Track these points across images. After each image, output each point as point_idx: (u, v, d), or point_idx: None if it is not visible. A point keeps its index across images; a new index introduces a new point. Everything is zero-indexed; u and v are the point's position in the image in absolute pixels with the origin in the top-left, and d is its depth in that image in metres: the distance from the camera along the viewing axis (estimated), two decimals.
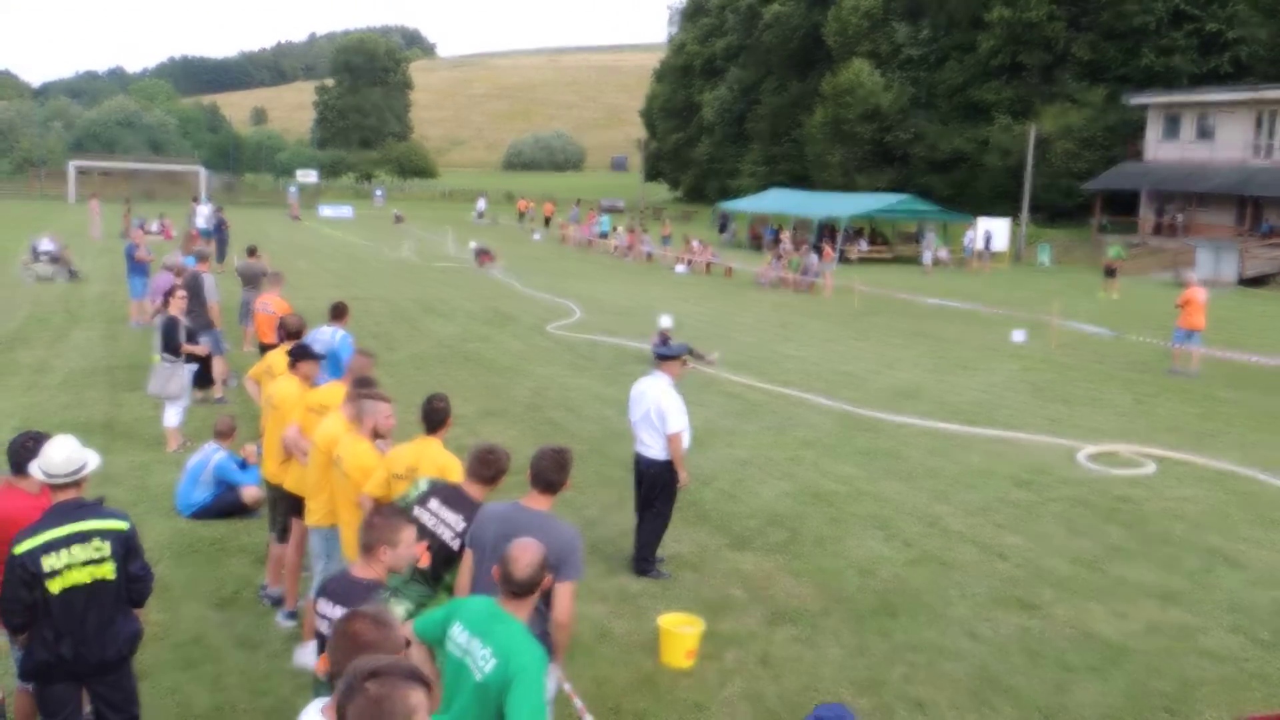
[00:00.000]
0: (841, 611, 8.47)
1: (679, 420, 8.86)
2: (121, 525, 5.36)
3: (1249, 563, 9.91)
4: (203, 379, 14.55)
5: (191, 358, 12.96)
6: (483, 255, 39.31)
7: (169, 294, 13.28)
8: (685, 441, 8.98)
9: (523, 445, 12.38)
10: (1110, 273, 35.84)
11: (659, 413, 8.91)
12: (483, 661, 4.19)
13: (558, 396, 16.17)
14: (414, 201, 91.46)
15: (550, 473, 5.46)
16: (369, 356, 8.23)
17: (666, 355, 9.20)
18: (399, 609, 4.54)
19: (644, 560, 9.18)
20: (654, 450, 9.03)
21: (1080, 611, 8.63)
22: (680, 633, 7.51)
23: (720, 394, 16.75)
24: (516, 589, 4.33)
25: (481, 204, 71.75)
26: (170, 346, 12.58)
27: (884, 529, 10.51)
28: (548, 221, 63.12)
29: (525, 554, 4.36)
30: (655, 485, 9.10)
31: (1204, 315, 20.21)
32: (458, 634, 4.36)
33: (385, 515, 4.83)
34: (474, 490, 5.86)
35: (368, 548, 4.73)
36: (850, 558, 9.68)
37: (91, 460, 5.45)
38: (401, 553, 4.76)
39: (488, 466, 5.83)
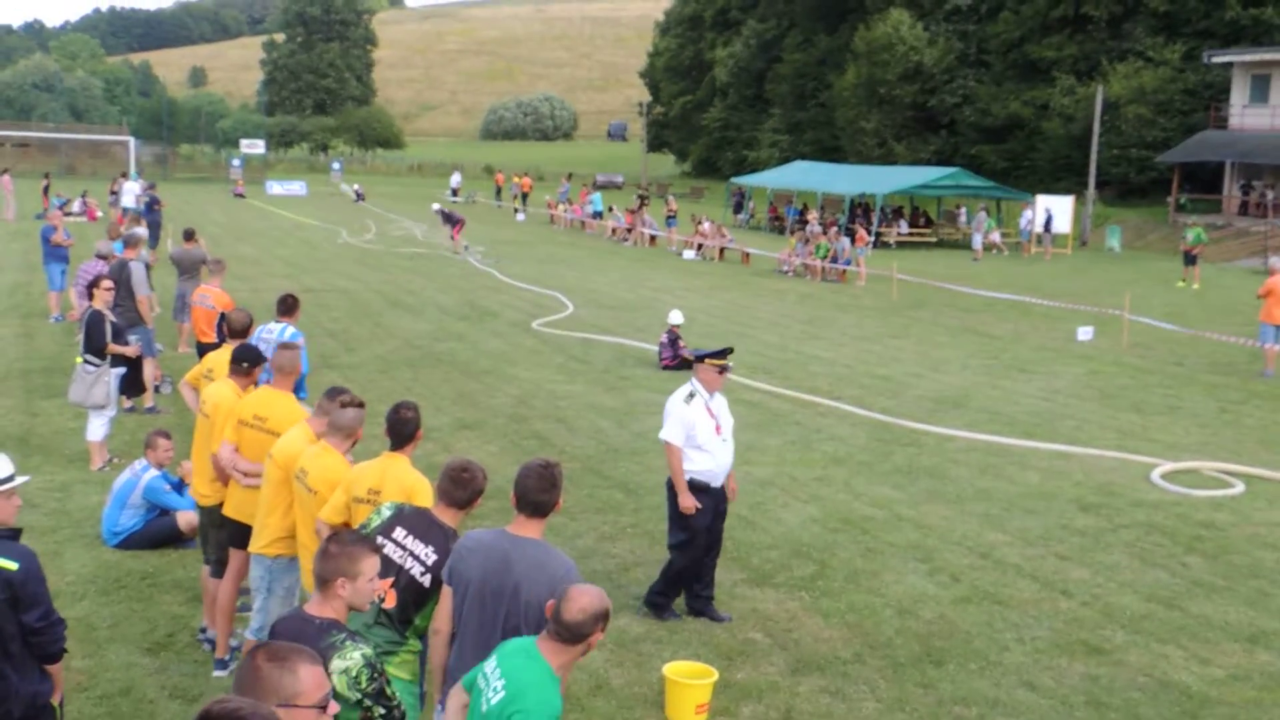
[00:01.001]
0: (877, 658, 8.48)
1: (669, 427, 8.98)
2: (8, 565, 5.31)
3: None
4: (131, 385, 14.38)
5: (118, 360, 12.94)
6: (454, 225, 38.49)
7: (92, 285, 13.27)
8: (703, 465, 8.95)
9: (504, 463, 12.44)
10: (1190, 259, 35.91)
11: (664, 418, 9.09)
12: (492, 692, 4.39)
13: (545, 406, 16.20)
14: (377, 176, 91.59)
15: (537, 492, 5.37)
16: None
17: (698, 358, 9.25)
18: (355, 654, 4.53)
19: (652, 593, 9.22)
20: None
21: (1155, 656, 8.64)
22: (689, 684, 7.51)
23: (736, 402, 16.60)
24: (560, 631, 4.51)
25: (456, 179, 71.50)
26: (94, 347, 12.57)
27: (927, 561, 10.52)
28: (525, 198, 62.01)
29: (583, 598, 4.55)
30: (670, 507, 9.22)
31: None
32: (489, 667, 4.59)
33: (342, 543, 4.81)
34: (446, 515, 5.84)
35: (323, 581, 4.73)
36: (888, 595, 9.69)
37: None
38: (362, 587, 4.74)
39: (462, 487, 5.78)
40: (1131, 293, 26.56)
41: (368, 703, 4.53)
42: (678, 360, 18.73)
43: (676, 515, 9.05)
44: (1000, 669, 8.35)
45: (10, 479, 5.48)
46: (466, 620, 5.32)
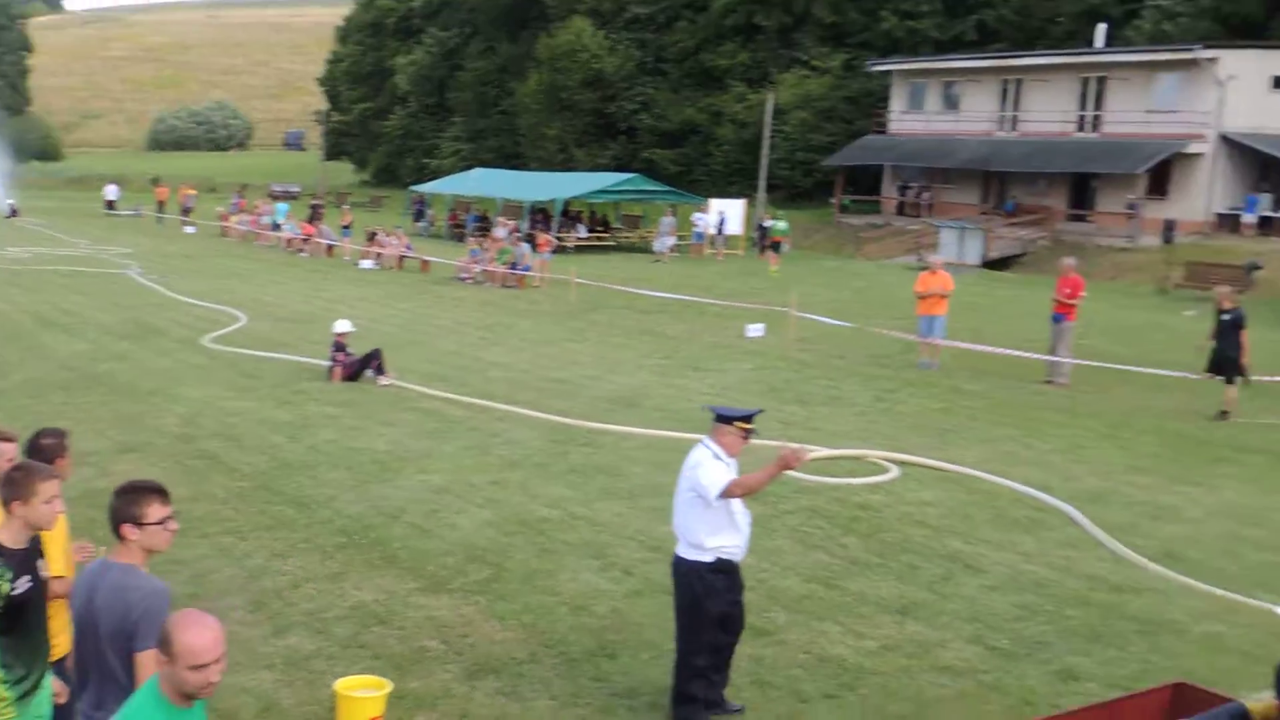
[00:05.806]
0: (552, 657, 8.61)
1: (716, 473, 7.68)
2: None
3: (988, 567, 10.79)
4: None
5: None
6: None
7: None
8: (731, 540, 7.83)
9: (172, 484, 11.79)
10: (773, 247, 40.61)
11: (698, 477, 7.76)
12: None
13: (215, 424, 15.63)
14: (32, 190, 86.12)
15: (121, 511, 4.86)
16: None
17: (723, 419, 7.85)
18: None
19: (678, 701, 7.91)
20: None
21: (815, 634, 9.13)
22: (361, 698, 7.41)
23: (412, 410, 16.66)
24: None
25: (112, 191, 66.95)
26: None
27: (600, 557, 10.75)
28: (188, 211, 57.61)
29: None
30: None
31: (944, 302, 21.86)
32: None
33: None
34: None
35: None
36: (562, 593, 9.84)
37: None
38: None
39: (14, 487, 5.08)
40: (798, 290, 27.86)
41: None
42: (351, 369, 18.57)
43: (686, 604, 7.80)
44: (671, 657, 8.57)
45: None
46: (76, 660, 4.99)
